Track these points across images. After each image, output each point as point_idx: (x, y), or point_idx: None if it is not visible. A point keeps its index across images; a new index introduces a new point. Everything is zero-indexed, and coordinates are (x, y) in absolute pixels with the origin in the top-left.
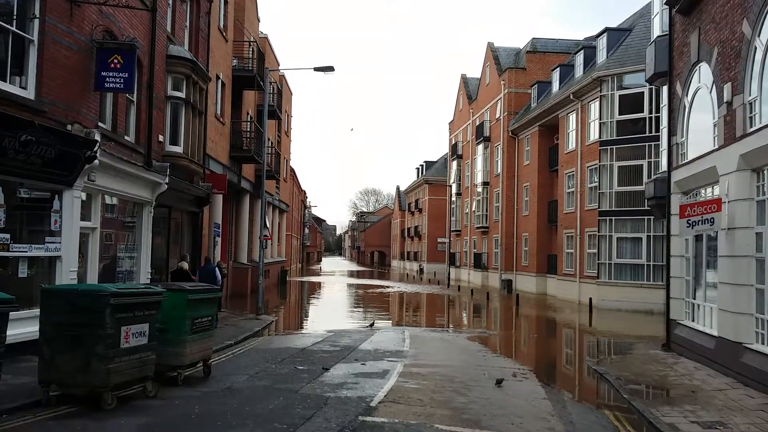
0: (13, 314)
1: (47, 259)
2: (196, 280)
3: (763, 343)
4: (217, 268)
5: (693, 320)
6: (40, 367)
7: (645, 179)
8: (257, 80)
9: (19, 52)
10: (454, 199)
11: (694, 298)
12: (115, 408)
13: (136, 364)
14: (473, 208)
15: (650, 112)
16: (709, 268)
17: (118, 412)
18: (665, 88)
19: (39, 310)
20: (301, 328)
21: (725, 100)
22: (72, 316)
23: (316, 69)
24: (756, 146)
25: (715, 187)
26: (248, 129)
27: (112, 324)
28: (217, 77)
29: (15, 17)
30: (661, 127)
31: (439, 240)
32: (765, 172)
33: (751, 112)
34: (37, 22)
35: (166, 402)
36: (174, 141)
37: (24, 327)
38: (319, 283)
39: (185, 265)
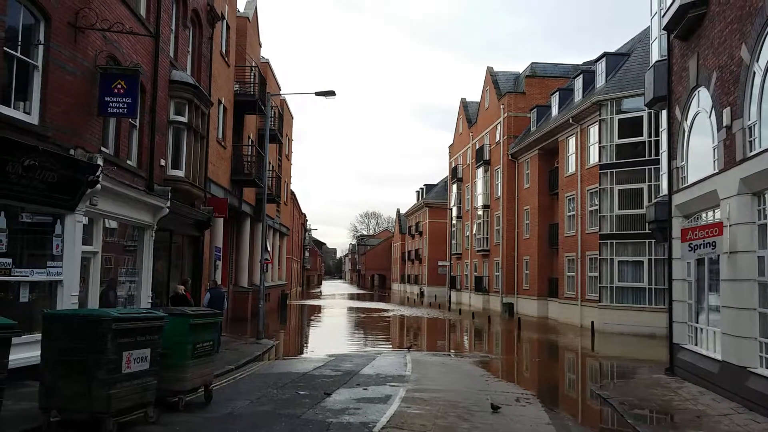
0: (14, 339)
1: (48, 284)
2: (192, 303)
3: (767, 368)
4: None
5: (696, 344)
6: (41, 393)
7: (645, 203)
8: (259, 105)
9: (24, 78)
10: (454, 222)
11: (697, 322)
12: None
13: (138, 389)
14: (474, 232)
15: (650, 135)
16: (712, 291)
17: None
18: (664, 113)
19: (40, 335)
20: (302, 352)
21: (725, 124)
22: (73, 341)
23: (318, 94)
24: (756, 170)
25: (716, 210)
26: (249, 153)
27: (114, 349)
28: (219, 102)
29: (20, 43)
30: (660, 151)
31: (439, 263)
32: (766, 195)
33: (750, 136)
34: (41, 48)
35: (167, 428)
36: (176, 165)
37: (25, 352)
38: (320, 307)
39: (181, 289)
